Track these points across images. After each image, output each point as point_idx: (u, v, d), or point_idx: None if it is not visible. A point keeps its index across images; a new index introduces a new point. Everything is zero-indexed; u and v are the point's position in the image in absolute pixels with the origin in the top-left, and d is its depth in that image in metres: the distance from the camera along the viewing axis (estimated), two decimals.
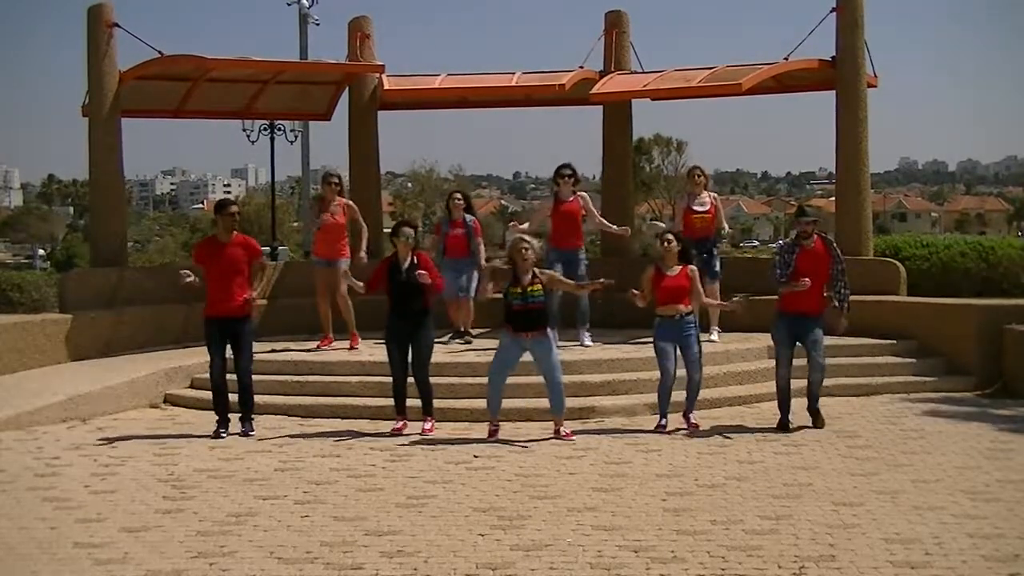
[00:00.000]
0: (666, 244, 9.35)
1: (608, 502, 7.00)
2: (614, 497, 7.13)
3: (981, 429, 9.16)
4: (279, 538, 6.35)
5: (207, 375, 11.00)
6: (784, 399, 9.30)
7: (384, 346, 9.44)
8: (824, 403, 9.70)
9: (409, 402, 9.46)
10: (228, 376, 9.44)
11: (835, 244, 9.48)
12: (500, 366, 9.15)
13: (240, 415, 9.45)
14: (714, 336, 11.61)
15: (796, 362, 9.34)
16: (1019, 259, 12.82)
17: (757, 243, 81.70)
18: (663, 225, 9.92)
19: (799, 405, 9.30)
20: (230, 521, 6.71)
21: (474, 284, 11.86)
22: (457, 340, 11.94)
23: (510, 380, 10.05)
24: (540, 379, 9.21)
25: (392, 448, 8.75)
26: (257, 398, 9.88)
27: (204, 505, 7.09)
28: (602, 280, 9.50)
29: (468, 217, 12.11)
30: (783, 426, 9.22)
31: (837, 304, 9.33)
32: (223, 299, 9.28)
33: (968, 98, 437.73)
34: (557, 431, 9.06)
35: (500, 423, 9.19)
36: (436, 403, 9.47)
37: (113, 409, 10.30)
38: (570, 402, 9.75)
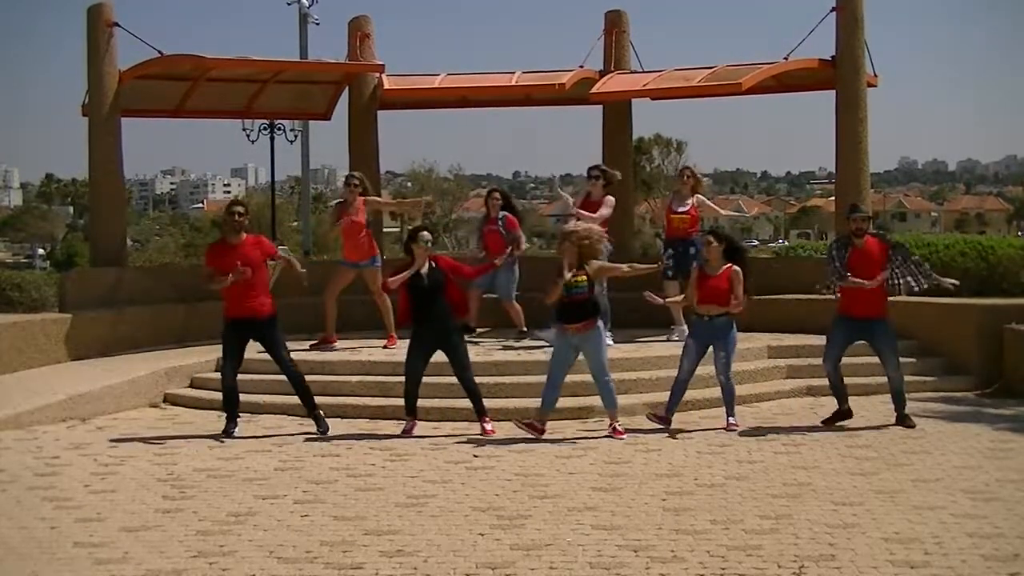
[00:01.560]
0: (710, 244, 9.28)
1: (608, 502, 7.01)
2: (614, 497, 7.13)
3: (981, 429, 9.16)
4: (279, 538, 6.35)
5: (207, 375, 11.08)
6: (837, 387, 9.34)
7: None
8: (824, 403, 9.70)
9: (430, 403, 9.43)
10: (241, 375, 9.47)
11: (891, 240, 9.44)
12: (555, 364, 9.09)
13: (309, 414, 9.40)
14: (675, 336, 11.59)
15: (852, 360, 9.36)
16: (1019, 259, 12.82)
17: (757, 243, 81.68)
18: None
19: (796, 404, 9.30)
20: (230, 521, 6.71)
21: (512, 284, 11.91)
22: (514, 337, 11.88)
23: (510, 380, 10.09)
24: (539, 379, 9.22)
25: (392, 448, 8.75)
26: (257, 398, 9.91)
27: (204, 505, 7.09)
28: (653, 264, 9.42)
29: (501, 214, 12.08)
30: (842, 414, 9.27)
31: (907, 289, 9.30)
32: (239, 301, 9.26)
33: (968, 98, 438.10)
34: (613, 428, 9.03)
35: (547, 424, 9.08)
36: (437, 403, 9.48)
37: (113, 409, 10.31)
38: (570, 402, 9.78)
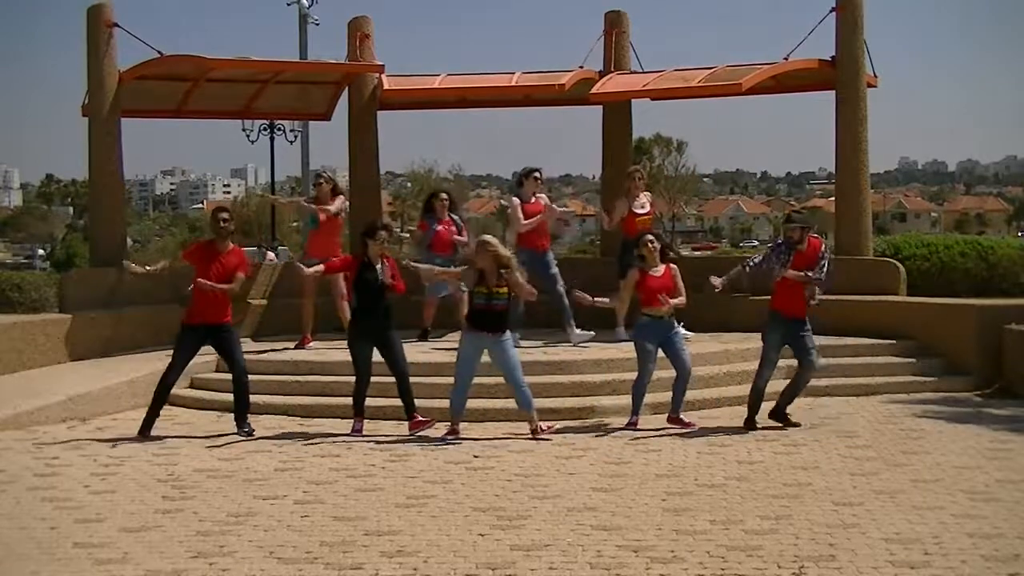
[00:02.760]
0: (649, 246, 9.44)
1: (608, 502, 7.01)
2: (614, 497, 7.13)
3: (981, 429, 9.16)
4: (279, 538, 6.35)
5: (207, 375, 11.09)
6: (757, 401, 9.38)
7: (348, 348, 9.43)
8: (824, 403, 9.71)
9: (431, 403, 9.48)
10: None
11: (825, 244, 9.52)
12: (464, 366, 9.15)
13: (236, 416, 9.46)
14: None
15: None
16: (1019, 259, 12.83)
17: (756, 243, 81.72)
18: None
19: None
20: (230, 521, 6.71)
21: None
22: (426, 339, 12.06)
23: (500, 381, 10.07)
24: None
25: (392, 448, 8.75)
26: (257, 398, 9.90)
27: (204, 505, 7.09)
28: (588, 297, 9.59)
29: (456, 216, 12.20)
30: (751, 424, 9.28)
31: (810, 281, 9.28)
32: (209, 308, 9.31)
33: (968, 98, 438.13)
34: (533, 430, 9.06)
35: (460, 425, 9.16)
36: (435, 403, 9.48)
37: (113, 409, 10.31)
38: (570, 402, 9.78)
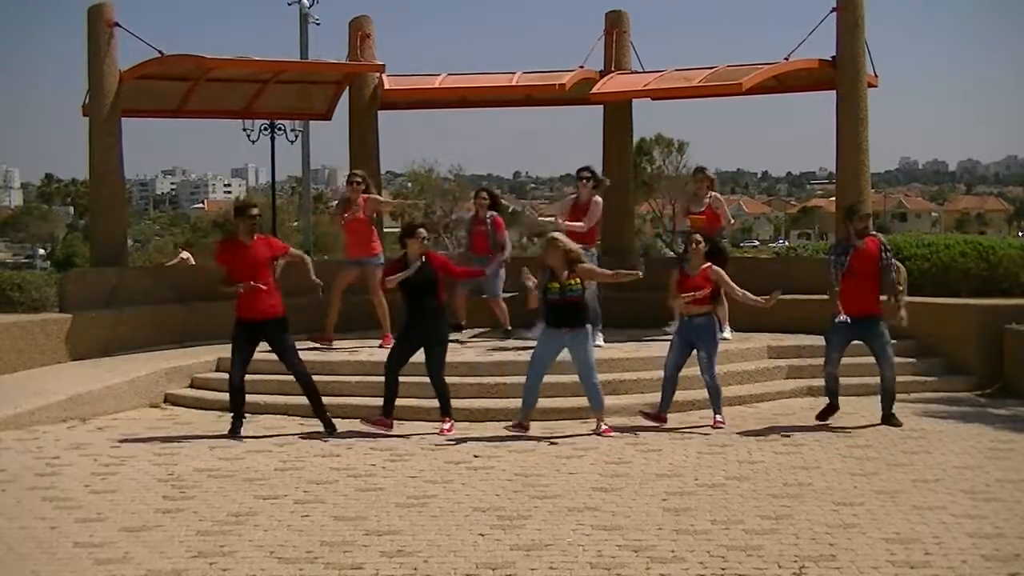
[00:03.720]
0: (695, 245, 9.37)
1: (608, 502, 7.01)
2: (614, 497, 7.13)
3: (981, 429, 9.16)
4: (279, 538, 6.36)
5: (207, 375, 11.09)
6: (834, 389, 9.41)
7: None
8: (824, 403, 9.68)
9: (430, 403, 9.49)
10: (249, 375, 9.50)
11: (884, 241, 9.48)
12: (538, 363, 9.13)
13: (317, 417, 9.43)
14: (726, 333, 11.64)
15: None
16: (1019, 259, 12.82)
17: (757, 243, 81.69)
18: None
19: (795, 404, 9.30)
20: (230, 521, 6.71)
21: (499, 282, 11.96)
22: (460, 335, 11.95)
23: (509, 380, 10.07)
24: (554, 379, 9.25)
25: (392, 448, 8.75)
26: (257, 398, 9.91)
27: (204, 505, 7.09)
28: (633, 271, 9.48)
29: (490, 214, 12.13)
30: (833, 408, 9.35)
31: (888, 297, 9.31)
32: (250, 303, 9.27)
33: (968, 98, 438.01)
34: (597, 426, 9.09)
35: (531, 423, 9.16)
36: (436, 403, 9.47)
37: (113, 409, 10.31)
38: (570, 401, 9.77)
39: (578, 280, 8.97)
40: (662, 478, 7.62)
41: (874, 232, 9.48)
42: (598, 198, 11.69)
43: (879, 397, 9.54)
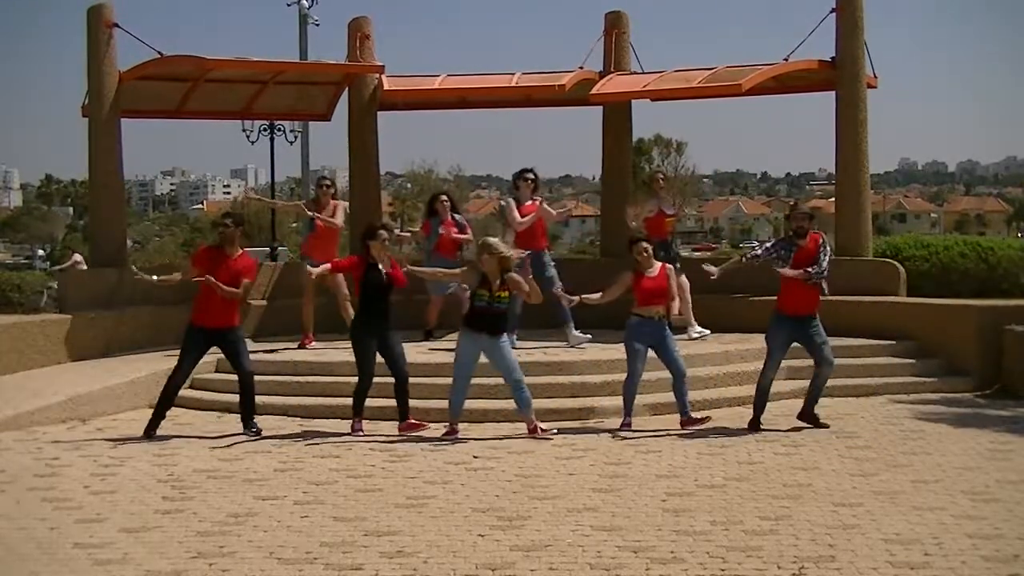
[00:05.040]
0: (644, 252, 9.38)
1: (608, 502, 7.00)
2: (614, 497, 7.13)
3: (981, 430, 9.16)
4: (279, 538, 6.35)
5: (207, 375, 11.09)
6: (762, 401, 9.37)
7: (352, 347, 9.42)
8: (824, 404, 9.69)
9: (431, 403, 9.53)
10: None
11: (826, 240, 9.47)
12: (463, 367, 9.17)
13: (243, 417, 9.44)
14: (702, 331, 11.83)
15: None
16: (1019, 260, 12.83)
17: (756, 243, 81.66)
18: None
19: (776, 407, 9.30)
20: (230, 521, 6.71)
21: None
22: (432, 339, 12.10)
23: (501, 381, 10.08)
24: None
25: (392, 448, 8.75)
26: (257, 398, 9.89)
27: (204, 505, 7.09)
28: (572, 297, 9.65)
29: (458, 217, 12.20)
30: (755, 425, 9.26)
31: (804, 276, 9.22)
32: (214, 311, 9.29)
33: (968, 98, 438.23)
34: (531, 430, 9.08)
35: (459, 425, 9.20)
36: (435, 404, 9.49)
37: (113, 409, 10.31)
38: (569, 402, 9.77)
39: (507, 293, 9.08)
40: (662, 479, 7.62)
41: (817, 230, 9.51)
42: (546, 203, 11.83)
43: (806, 394, 9.46)
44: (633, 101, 14.11)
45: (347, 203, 12.39)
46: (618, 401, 9.79)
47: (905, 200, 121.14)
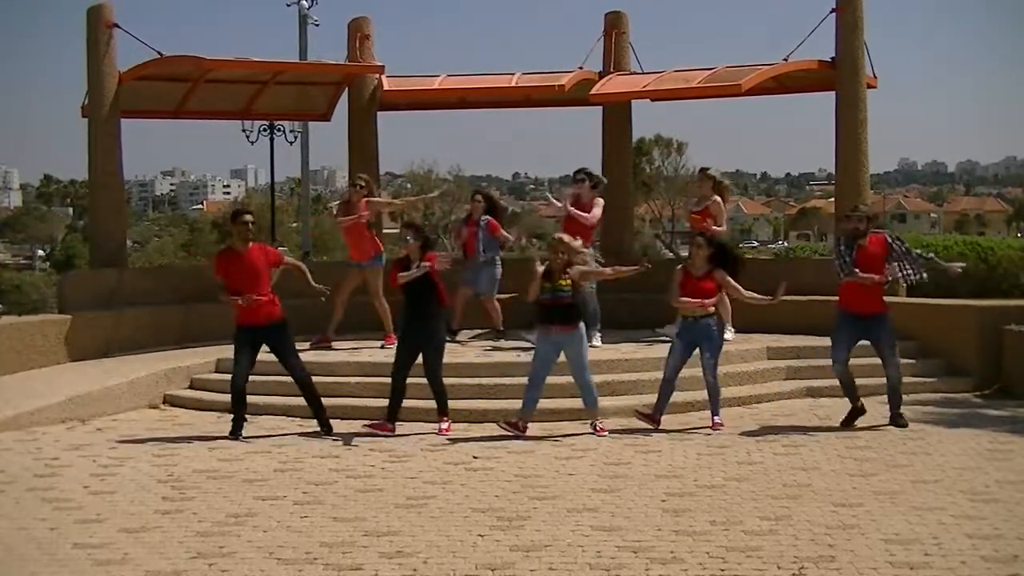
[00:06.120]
0: (698, 245, 9.40)
1: (607, 503, 7.01)
2: (613, 498, 7.13)
3: (980, 430, 9.16)
4: (278, 539, 6.35)
5: (207, 376, 11.09)
6: (849, 386, 9.32)
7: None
8: (824, 403, 9.70)
9: (429, 404, 9.50)
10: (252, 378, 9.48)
11: (894, 236, 9.44)
12: (538, 364, 9.16)
13: (318, 423, 9.45)
14: (728, 334, 11.68)
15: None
16: (1018, 260, 12.84)
17: (756, 243, 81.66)
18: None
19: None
20: (229, 522, 6.71)
21: (490, 282, 12.02)
22: (458, 340, 11.99)
23: (508, 381, 10.08)
24: (552, 380, 9.27)
25: (391, 449, 8.75)
26: (257, 399, 9.90)
27: (203, 506, 7.09)
28: (636, 266, 9.48)
29: (484, 218, 12.13)
30: (858, 411, 9.26)
31: (905, 278, 9.30)
32: (249, 310, 9.25)
33: (968, 98, 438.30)
34: (593, 426, 9.15)
35: (529, 424, 9.17)
36: (434, 404, 9.48)
37: (112, 410, 10.30)
38: (569, 402, 9.76)
39: (568, 282, 9.01)
40: (661, 479, 7.62)
41: (879, 230, 9.43)
42: (600, 199, 11.71)
43: (887, 397, 9.48)
44: (633, 101, 14.11)
45: (374, 198, 12.25)
46: (617, 401, 9.82)
47: (905, 200, 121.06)
